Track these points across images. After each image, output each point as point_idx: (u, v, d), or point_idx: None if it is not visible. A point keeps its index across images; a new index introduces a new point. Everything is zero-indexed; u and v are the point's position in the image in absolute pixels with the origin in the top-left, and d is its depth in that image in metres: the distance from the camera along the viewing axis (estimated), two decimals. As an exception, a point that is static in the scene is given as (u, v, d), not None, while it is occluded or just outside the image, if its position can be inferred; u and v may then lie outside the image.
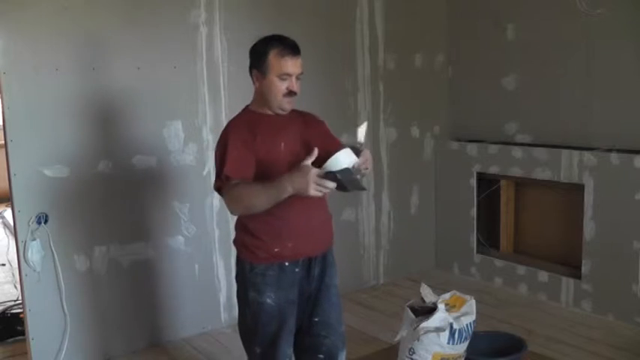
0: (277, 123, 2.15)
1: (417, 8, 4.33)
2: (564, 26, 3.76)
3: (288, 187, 1.89)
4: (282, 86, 2.08)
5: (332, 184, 1.86)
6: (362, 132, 1.94)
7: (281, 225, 2.11)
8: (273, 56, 2.07)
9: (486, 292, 4.00)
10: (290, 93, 2.09)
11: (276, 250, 2.12)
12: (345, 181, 1.86)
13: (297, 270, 2.16)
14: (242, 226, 2.20)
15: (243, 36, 3.58)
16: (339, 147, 1.96)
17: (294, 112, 2.23)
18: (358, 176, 1.93)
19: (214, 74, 3.50)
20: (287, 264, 2.14)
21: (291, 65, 2.07)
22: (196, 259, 3.54)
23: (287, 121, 2.18)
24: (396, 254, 4.41)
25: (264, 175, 2.02)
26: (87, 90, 3.12)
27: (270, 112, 2.16)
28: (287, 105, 2.12)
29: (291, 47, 2.08)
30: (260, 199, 1.98)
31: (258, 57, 2.11)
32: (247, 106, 2.22)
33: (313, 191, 1.86)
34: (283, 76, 2.07)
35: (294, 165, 1.95)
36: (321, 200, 2.16)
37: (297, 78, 2.11)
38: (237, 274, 2.24)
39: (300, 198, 1.96)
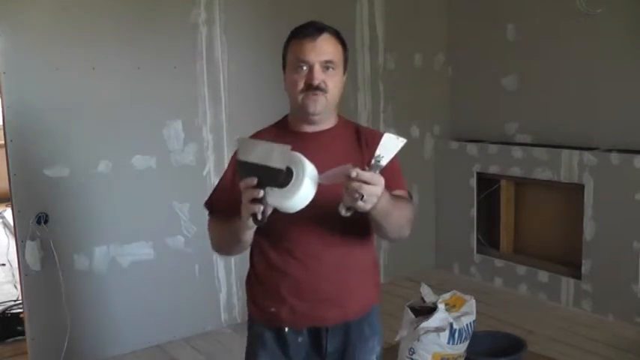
0: (308, 142, 1.55)
1: (417, 8, 4.33)
2: (564, 26, 3.76)
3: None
4: (297, 78, 1.55)
5: (252, 183, 1.33)
6: (389, 146, 1.39)
7: (278, 279, 1.60)
8: (290, 46, 1.60)
9: (486, 292, 4.00)
10: (310, 87, 1.53)
11: (272, 310, 1.61)
12: (264, 181, 1.32)
13: (300, 340, 1.62)
14: (249, 266, 1.73)
15: (243, 36, 3.59)
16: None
17: (349, 129, 1.67)
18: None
19: (214, 74, 3.50)
20: (287, 330, 1.62)
21: (309, 49, 1.54)
22: (196, 259, 3.53)
23: (325, 141, 1.60)
24: (396, 254, 4.41)
25: (275, 217, 1.41)
26: (87, 90, 3.12)
27: (305, 128, 1.62)
28: (310, 104, 1.54)
29: (309, 27, 1.58)
30: (222, 235, 1.62)
31: (282, 55, 1.64)
32: (286, 116, 1.70)
33: (245, 211, 1.36)
34: (298, 64, 1.55)
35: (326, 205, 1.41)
36: (347, 245, 1.60)
37: (326, 67, 1.55)
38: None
39: (310, 240, 1.56)
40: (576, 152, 3.65)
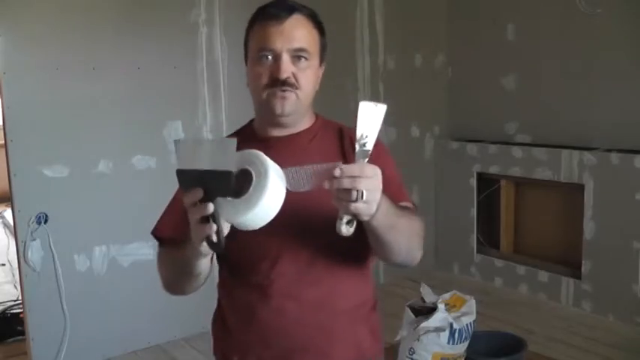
0: (278, 149, 1.24)
1: (417, 8, 4.33)
2: (564, 26, 3.76)
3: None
4: (260, 71, 1.23)
5: (197, 196, 1.03)
6: (369, 119, 1.11)
7: (244, 322, 1.30)
8: (252, 31, 1.29)
9: (486, 292, 4.00)
10: (276, 82, 1.21)
11: (235, 359, 1.34)
12: (212, 191, 1.00)
13: None
14: (217, 302, 1.46)
15: (243, 36, 3.59)
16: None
17: (330, 129, 1.35)
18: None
19: (214, 74, 3.50)
20: None
21: (274, 34, 1.21)
22: (196, 259, 3.53)
23: (300, 146, 1.29)
24: (396, 254, 4.41)
25: (240, 245, 1.14)
26: (87, 90, 3.12)
27: (273, 132, 1.31)
28: (277, 103, 1.22)
29: (275, 6, 1.25)
30: (173, 269, 1.26)
31: (244, 43, 1.35)
32: (251, 121, 1.43)
33: (195, 234, 1.04)
34: (262, 53, 1.23)
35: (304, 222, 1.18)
36: (336, 278, 1.26)
37: (297, 57, 1.23)
38: None
39: (286, 273, 1.23)
40: (576, 152, 3.65)
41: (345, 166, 1.00)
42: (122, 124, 3.24)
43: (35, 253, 3.03)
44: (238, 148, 1.04)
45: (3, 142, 2.96)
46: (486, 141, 4.23)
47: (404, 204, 1.25)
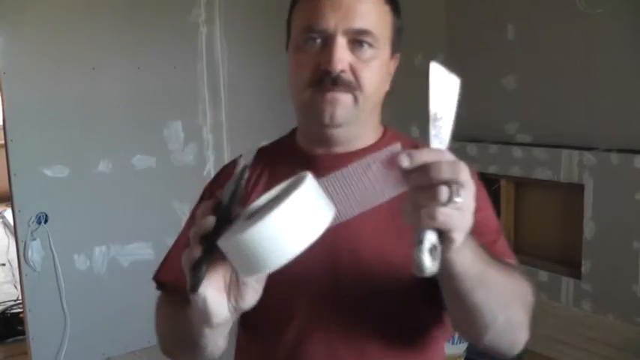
0: (326, 172, 0.73)
1: (417, 8, 4.32)
2: (564, 26, 3.76)
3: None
4: (303, 60, 0.88)
5: (207, 209, 0.73)
6: (442, 89, 0.74)
7: None
8: (297, 7, 0.92)
9: (486, 292, 4.00)
10: (324, 76, 0.86)
11: None
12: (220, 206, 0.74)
13: None
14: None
15: (244, 36, 3.59)
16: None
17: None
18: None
19: (214, 74, 3.50)
20: None
21: (327, 8, 0.86)
22: (196, 259, 3.53)
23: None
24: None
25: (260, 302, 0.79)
26: (87, 90, 3.12)
27: (320, 149, 0.95)
28: (326, 107, 0.87)
29: None
30: (173, 327, 0.92)
31: (287, 26, 0.96)
32: (294, 130, 1.04)
33: (185, 261, 0.72)
34: (308, 34, 0.87)
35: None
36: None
37: (359, 42, 0.88)
38: None
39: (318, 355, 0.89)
40: (576, 152, 3.64)
41: (416, 151, 0.65)
42: (122, 124, 3.24)
43: (35, 252, 3.03)
44: (275, 165, 0.79)
45: (3, 142, 2.97)
46: (486, 141, 4.23)
47: (507, 261, 0.89)
